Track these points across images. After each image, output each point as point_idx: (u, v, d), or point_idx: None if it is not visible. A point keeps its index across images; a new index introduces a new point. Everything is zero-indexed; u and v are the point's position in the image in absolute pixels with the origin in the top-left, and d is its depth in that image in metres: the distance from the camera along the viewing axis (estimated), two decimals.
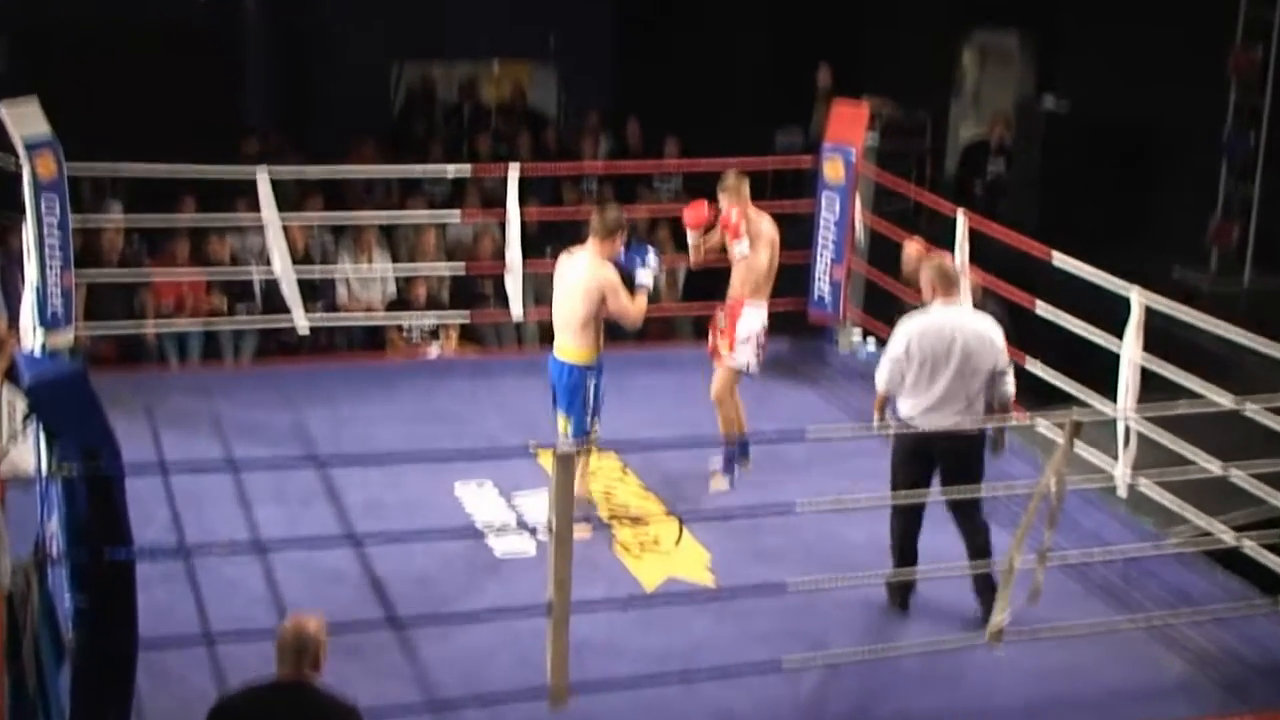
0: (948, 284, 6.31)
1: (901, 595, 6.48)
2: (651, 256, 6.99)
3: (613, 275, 6.78)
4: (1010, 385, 6.35)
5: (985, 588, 6.26)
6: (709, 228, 7.69)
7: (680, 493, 7.60)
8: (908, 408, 6.31)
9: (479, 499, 7.48)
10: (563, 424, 6.92)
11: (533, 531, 7.00)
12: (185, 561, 6.54)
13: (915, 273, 9.03)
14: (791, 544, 7.03)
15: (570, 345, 6.85)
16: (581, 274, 6.80)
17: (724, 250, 7.68)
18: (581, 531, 6.91)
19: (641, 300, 6.91)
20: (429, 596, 6.49)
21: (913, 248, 9.05)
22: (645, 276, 6.95)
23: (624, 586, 6.65)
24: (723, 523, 7.07)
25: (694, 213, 7.57)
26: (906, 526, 6.43)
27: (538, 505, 7.28)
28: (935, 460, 6.31)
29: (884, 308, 9.47)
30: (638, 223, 11.11)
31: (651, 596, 6.61)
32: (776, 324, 8.48)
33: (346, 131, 11.95)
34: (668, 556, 6.97)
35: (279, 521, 7.08)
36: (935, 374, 6.21)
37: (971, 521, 6.33)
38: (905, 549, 6.42)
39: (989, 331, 6.30)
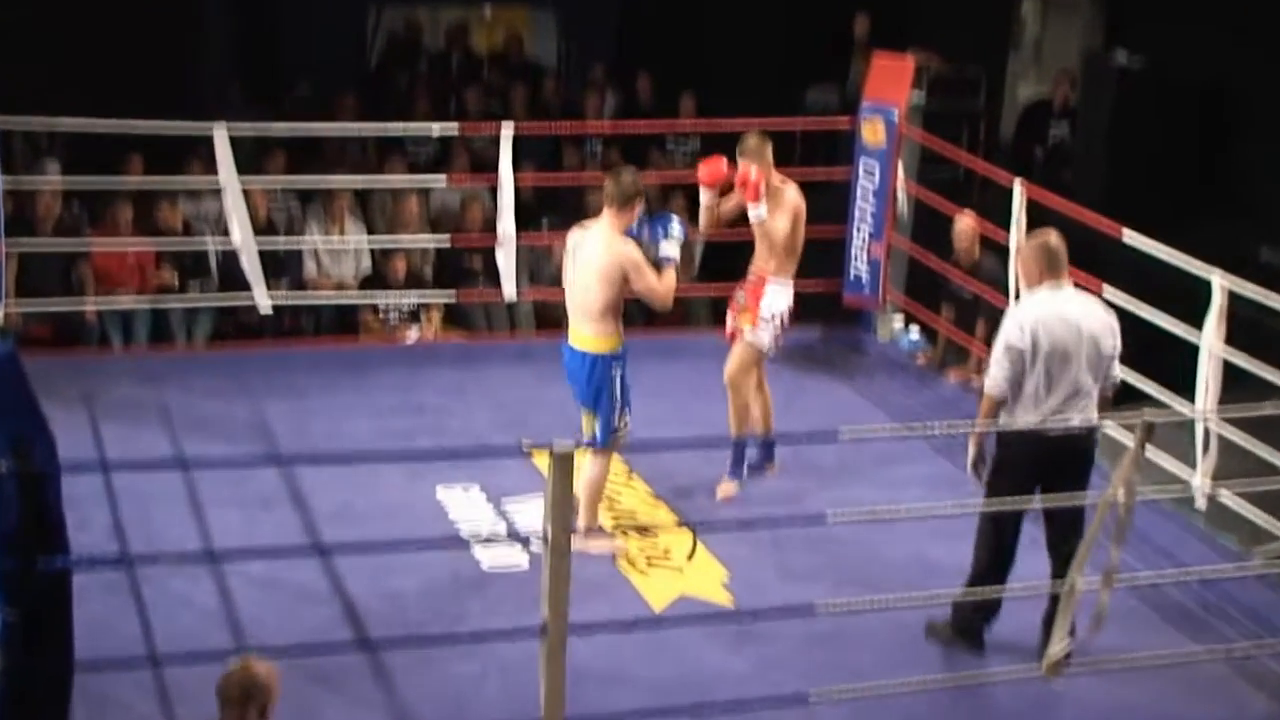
0: (1057, 264, 6.26)
1: (978, 626, 6.41)
2: (675, 226, 6.93)
3: (634, 250, 6.73)
4: (1119, 370, 6.36)
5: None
6: (726, 189, 7.66)
7: (694, 500, 7.60)
8: (1029, 411, 6.20)
9: (464, 505, 7.48)
10: (588, 423, 6.92)
11: (525, 542, 7.00)
12: (128, 572, 6.55)
13: (968, 251, 9.05)
14: (821, 560, 7.03)
15: (589, 333, 6.81)
16: (598, 250, 6.75)
17: (744, 218, 7.67)
18: (599, 547, 6.94)
19: (670, 276, 6.86)
20: (406, 616, 6.49)
21: (965, 222, 9.06)
22: (671, 249, 6.88)
23: (629, 606, 6.65)
24: (743, 535, 7.07)
25: (710, 169, 7.55)
26: (1006, 553, 6.33)
27: (531, 512, 7.29)
28: (1055, 470, 6.24)
29: (929, 291, 9.48)
30: (649, 190, 11.10)
31: (660, 618, 6.60)
32: (806, 309, 8.49)
33: (319, 83, 11.93)
34: (679, 573, 6.97)
35: (236, 528, 7.09)
36: (1064, 368, 6.16)
37: (1075, 537, 6.26)
38: (996, 574, 6.33)
39: (1105, 312, 6.32)
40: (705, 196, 7.60)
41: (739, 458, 7.63)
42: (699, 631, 6.45)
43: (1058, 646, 5.88)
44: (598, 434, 6.87)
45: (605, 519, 7.37)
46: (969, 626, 6.42)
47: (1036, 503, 6.23)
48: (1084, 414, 6.19)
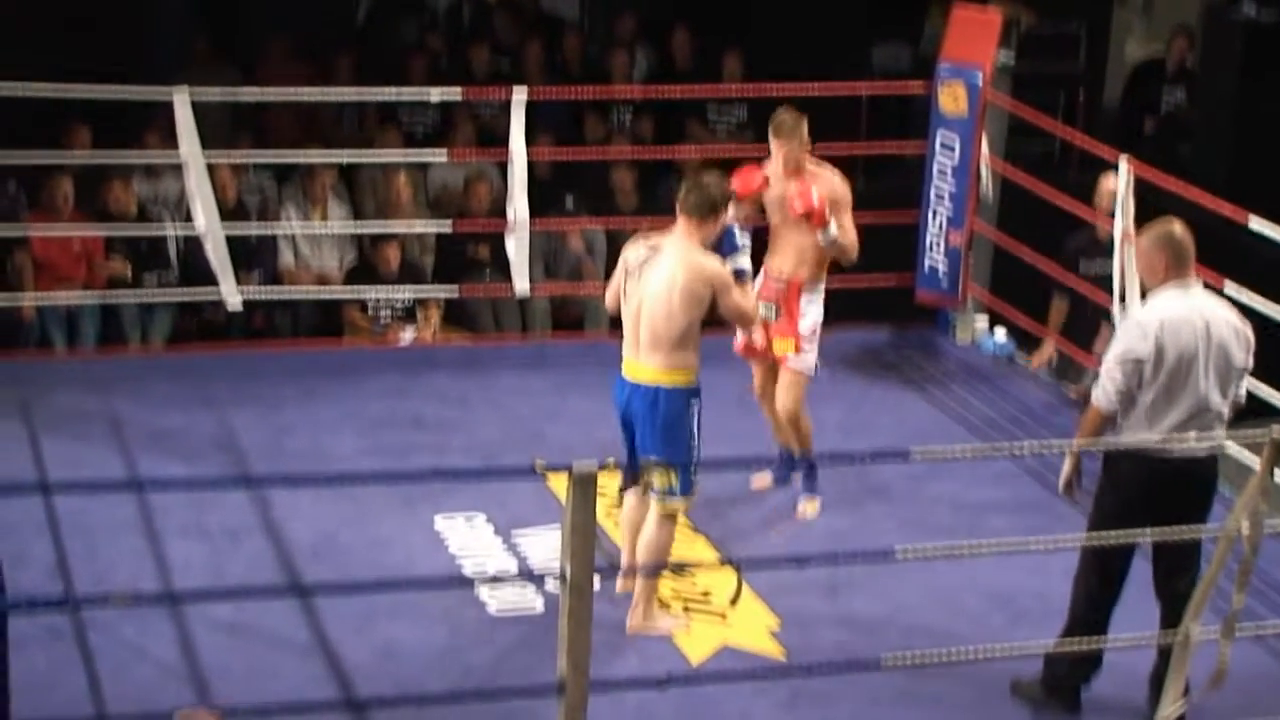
0: (1184, 259, 6.25)
1: (1075, 683, 6.41)
2: (739, 235, 6.93)
3: (720, 267, 6.65)
4: (1245, 387, 6.37)
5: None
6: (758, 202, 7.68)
7: (739, 532, 7.61)
8: (1142, 429, 6.20)
9: (468, 537, 7.51)
10: (660, 476, 6.71)
11: (539, 582, 7.02)
12: (72, 616, 6.57)
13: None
14: (888, 605, 7.04)
15: (660, 364, 6.63)
16: (677, 268, 6.58)
17: (761, 211, 7.68)
18: (660, 628, 6.92)
19: (750, 292, 6.97)
20: (400, 670, 6.51)
21: (1111, 184, 8.94)
22: (743, 260, 6.90)
23: (662, 659, 6.66)
24: (796, 575, 7.08)
25: (745, 180, 7.49)
26: (1110, 595, 6.35)
27: (546, 546, 7.31)
28: (1170, 498, 6.25)
29: (1019, 287, 9.48)
30: (686, 167, 11.13)
31: (698, 673, 6.62)
32: (874, 307, 8.52)
33: (300, 39, 11.97)
34: (721, 619, 6.98)
35: (199, 563, 7.12)
36: (1188, 381, 6.14)
37: (1191, 576, 6.26)
38: (1097, 621, 6.36)
39: (1238, 318, 6.31)
40: (735, 210, 7.42)
41: (812, 471, 7.77)
42: (744, 689, 6.45)
43: (1170, 709, 5.87)
44: (674, 484, 6.70)
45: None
46: (1063, 684, 6.42)
47: (1146, 536, 6.22)
48: (1210, 433, 6.19)
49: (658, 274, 6.61)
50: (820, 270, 7.71)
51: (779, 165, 7.65)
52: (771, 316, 7.66)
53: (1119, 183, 8.43)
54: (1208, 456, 6.23)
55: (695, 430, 6.66)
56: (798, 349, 7.64)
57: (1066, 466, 6.38)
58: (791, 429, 7.73)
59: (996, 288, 9.64)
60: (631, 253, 6.75)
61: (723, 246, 6.80)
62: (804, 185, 7.53)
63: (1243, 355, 6.26)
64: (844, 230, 7.61)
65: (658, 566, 6.81)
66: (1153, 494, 6.21)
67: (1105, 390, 6.20)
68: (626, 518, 6.96)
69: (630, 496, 6.93)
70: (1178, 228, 6.32)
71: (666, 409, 6.62)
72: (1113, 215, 8.85)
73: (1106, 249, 8.95)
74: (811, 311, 7.68)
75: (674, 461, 6.62)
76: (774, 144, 7.64)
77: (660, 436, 6.64)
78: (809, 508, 7.75)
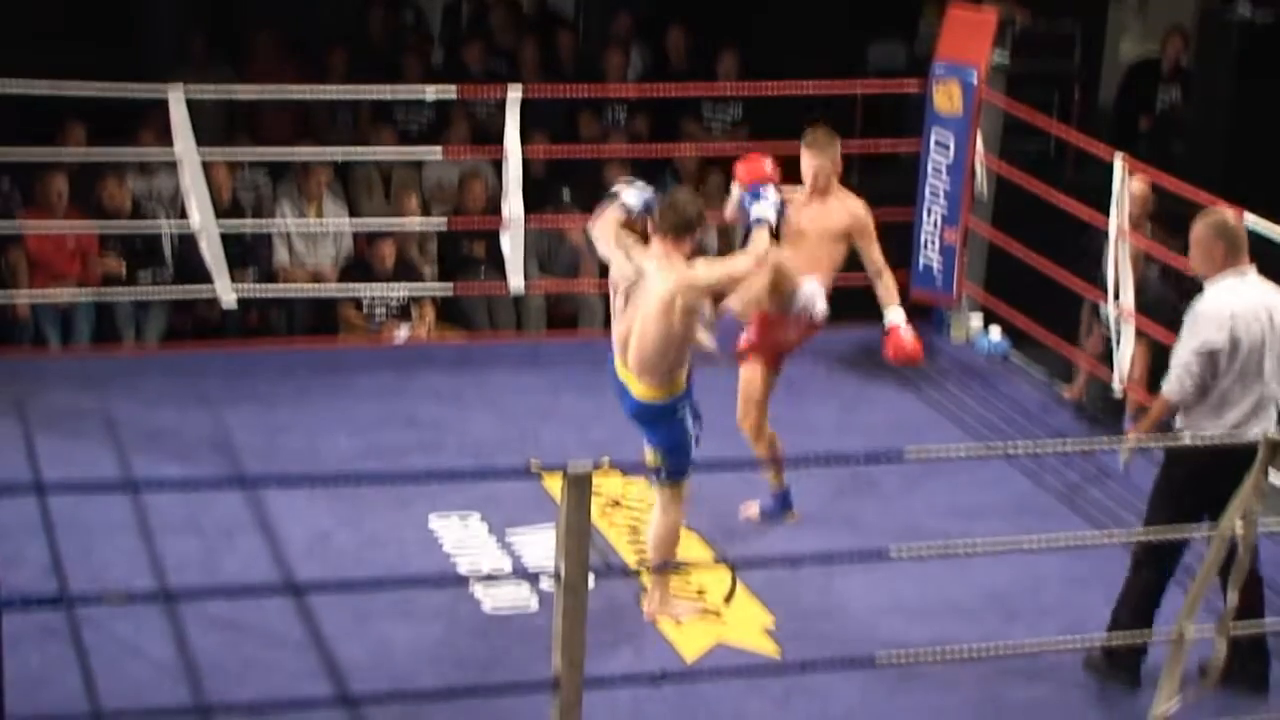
0: (1240, 245, 6.34)
1: (1133, 662, 6.52)
2: (769, 191, 7.11)
3: (700, 271, 6.68)
4: None
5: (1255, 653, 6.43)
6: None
7: (733, 531, 7.62)
8: (1207, 421, 6.27)
9: (463, 536, 7.51)
10: (651, 457, 6.93)
11: (534, 580, 7.02)
12: (67, 614, 6.58)
13: (1138, 222, 8.92)
14: (883, 603, 7.05)
15: (652, 384, 6.69)
16: (655, 287, 6.63)
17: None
18: (674, 611, 6.95)
19: (760, 239, 6.98)
20: (395, 667, 6.52)
21: (1140, 187, 8.89)
22: (765, 209, 7.06)
23: (656, 656, 6.68)
24: (791, 573, 7.09)
25: (750, 168, 7.47)
26: (1161, 579, 6.45)
27: (541, 545, 7.31)
28: (1229, 493, 6.25)
29: (1014, 285, 9.48)
30: (681, 165, 11.13)
31: (693, 670, 6.63)
32: (867, 304, 8.49)
33: (295, 37, 11.97)
34: (716, 617, 6.99)
35: (193, 562, 7.13)
36: (1258, 371, 6.24)
37: (1253, 567, 6.29)
38: (1147, 610, 6.43)
39: None
40: (738, 192, 7.43)
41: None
42: (738, 686, 6.46)
43: (1164, 706, 5.88)
44: (667, 476, 6.83)
45: (628, 553, 7.40)
46: (1124, 659, 6.52)
47: (1139, 535, 6.25)
48: (1266, 428, 6.23)
49: (648, 298, 6.63)
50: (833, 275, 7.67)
51: (807, 182, 7.59)
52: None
53: (1114, 181, 8.43)
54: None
55: (689, 423, 6.76)
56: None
57: (1125, 454, 6.56)
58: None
59: (991, 286, 9.65)
60: (617, 270, 6.79)
61: (745, 204, 7.10)
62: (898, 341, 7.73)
63: None
64: (877, 256, 7.65)
65: (670, 553, 6.88)
66: (1202, 484, 6.26)
67: (1181, 382, 6.27)
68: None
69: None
70: (1230, 215, 6.43)
71: (659, 418, 6.75)
72: (1137, 221, 8.86)
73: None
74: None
75: (673, 452, 6.77)
76: (805, 159, 7.58)
77: (659, 437, 6.82)
78: (751, 509, 7.72)
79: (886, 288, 7.67)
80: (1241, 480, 6.08)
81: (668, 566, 6.93)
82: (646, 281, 6.67)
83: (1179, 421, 6.37)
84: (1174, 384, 6.30)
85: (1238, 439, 6.17)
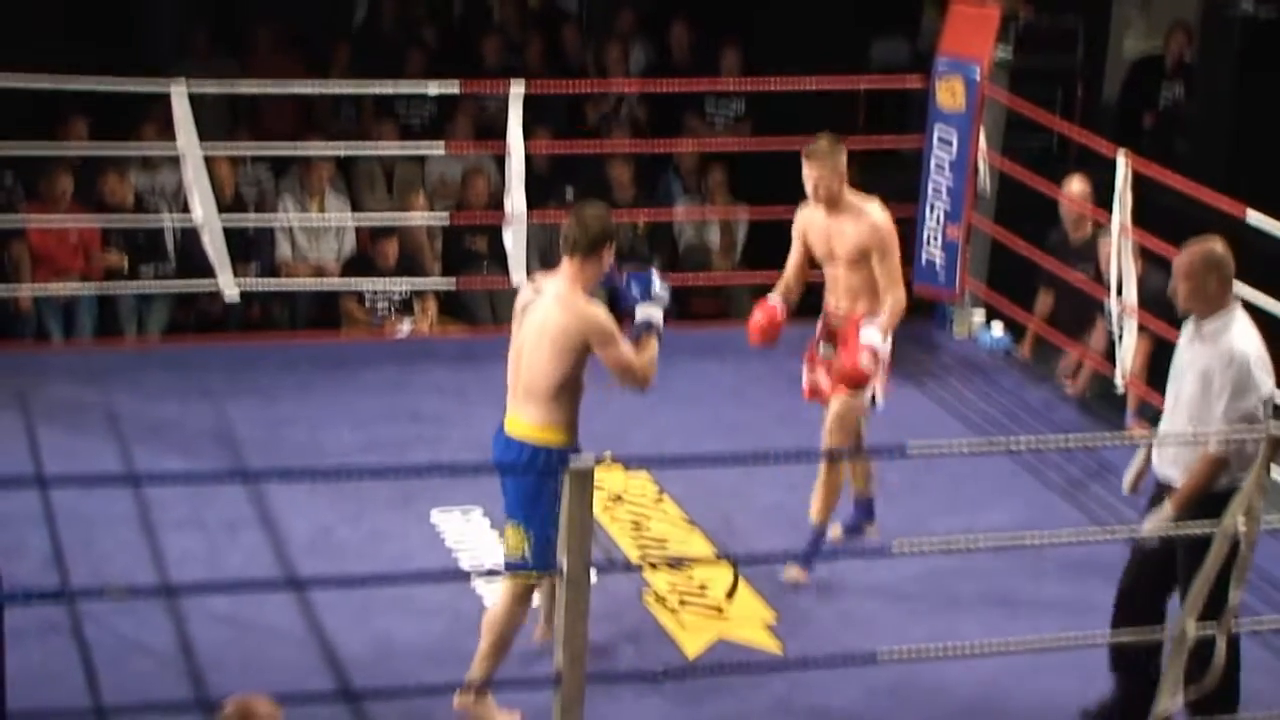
0: (1230, 277, 6.12)
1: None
2: (658, 283, 6.21)
3: (599, 312, 5.98)
4: None
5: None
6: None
7: (735, 527, 7.62)
8: (1245, 470, 5.94)
9: (465, 531, 7.51)
10: (514, 538, 6.07)
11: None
12: (70, 609, 6.58)
13: (1077, 223, 8.98)
14: (884, 599, 7.05)
15: (535, 419, 6.02)
16: (552, 312, 6.00)
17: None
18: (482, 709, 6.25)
19: (651, 348, 6.12)
20: (396, 662, 6.52)
21: (1076, 187, 8.99)
22: (653, 312, 6.16)
23: (658, 652, 6.67)
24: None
25: (762, 329, 7.16)
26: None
27: None
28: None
29: (1016, 281, 9.48)
30: (683, 161, 11.12)
31: (695, 666, 6.62)
32: None
33: (293, 31, 11.98)
34: (717, 613, 6.99)
35: (196, 557, 7.13)
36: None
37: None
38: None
39: None
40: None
41: (817, 544, 7.26)
42: (740, 682, 6.46)
43: (1168, 701, 5.88)
44: (527, 554, 6.02)
45: (631, 548, 7.39)
46: None
47: (1128, 534, 6.20)
48: None
49: (534, 319, 6.07)
50: (875, 304, 7.12)
51: (810, 194, 7.12)
52: (831, 356, 7.21)
53: (1117, 178, 8.43)
54: None
55: (556, 505, 5.47)
56: (853, 381, 7.04)
57: (1169, 516, 6.07)
58: (826, 473, 7.17)
59: (994, 282, 9.65)
60: (520, 297, 6.24)
61: (628, 293, 6.20)
62: (850, 354, 7.01)
63: None
64: (887, 273, 7.07)
65: (496, 644, 6.09)
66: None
67: (1240, 441, 5.94)
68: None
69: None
70: (1219, 245, 6.13)
71: (528, 466, 6.01)
72: (1077, 221, 8.90)
73: (1077, 253, 8.97)
74: (870, 344, 7.04)
75: (531, 528, 6.00)
76: (805, 169, 7.08)
77: (518, 499, 6.05)
78: (796, 574, 7.21)
79: (886, 307, 7.08)
80: None
81: (502, 644, 6.10)
82: (540, 302, 6.09)
83: (1223, 481, 6.02)
84: (1230, 443, 5.95)
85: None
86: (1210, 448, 6.00)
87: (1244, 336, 6.06)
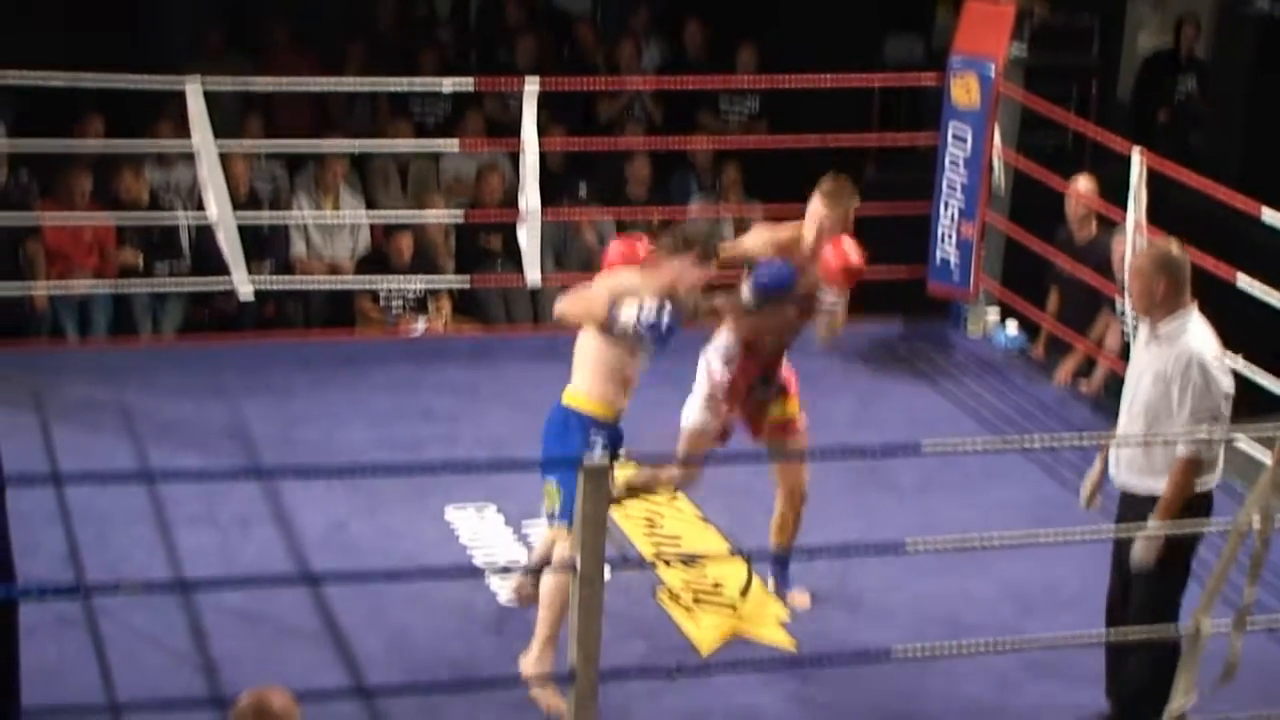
0: (1182, 283, 5.99)
1: None
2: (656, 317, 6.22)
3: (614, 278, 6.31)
4: None
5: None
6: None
7: (749, 524, 7.61)
8: (1212, 473, 6.02)
9: (479, 528, 7.52)
10: (550, 495, 6.30)
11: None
12: (85, 605, 6.60)
13: (1083, 223, 8.99)
14: (899, 597, 7.05)
15: (572, 386, 6.38)
16: None
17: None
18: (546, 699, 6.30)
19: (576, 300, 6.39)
20: (411, 658, 6.53)
21: (1082, 186, 8.99)
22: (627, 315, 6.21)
23: (671, 649, 6.67)
24: (807, 566, 7.08)
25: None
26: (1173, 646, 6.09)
27: None
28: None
29: (1030, 279, 9.47)
30: (697, 158, 11.13)
31: (708, 663, 6.62)
32: (885, 299, 8.51)
33: (314, 29, 11.99)
34: (731, 610, 6.99)
35: (210, 553, 7.14)
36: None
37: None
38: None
39: None
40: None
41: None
42: (754, 679, 6.47)
43: (1181, 700, 5.87)
44: (556, 510, 6.24)
45: (645, 545, 7.40)
46: None
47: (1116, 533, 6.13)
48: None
49: None
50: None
51: (811, 233, 6.82)
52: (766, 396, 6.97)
53: (1132, 175, 8.42)
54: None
55: None
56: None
57: (1158, 535, 5.98)
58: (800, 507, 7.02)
59: (1008, 280, 9.64)
60: None
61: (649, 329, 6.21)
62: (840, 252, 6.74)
63: None
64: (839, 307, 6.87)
65: (556, 612, 6.19)
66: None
67: (1209, 441, 5.92)
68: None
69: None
70: (1175, 248, 6.07)
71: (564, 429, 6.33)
72: (1082, 220, 8.89)
73: (1081, 252, 8.96)
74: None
75: (562, 486, 6.17)
76: (819, 206, 6.82)
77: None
78: (801, 598, 7.10)
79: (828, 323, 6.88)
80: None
81: (560, 610, 6.15)
82: None
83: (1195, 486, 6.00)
84: (1198, 447, 5.91)
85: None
86: (1180, 451, 5.93)
87: (1200, 337, 5.98)
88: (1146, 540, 5.98)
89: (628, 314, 6.19)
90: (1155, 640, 6.04)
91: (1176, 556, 6.04)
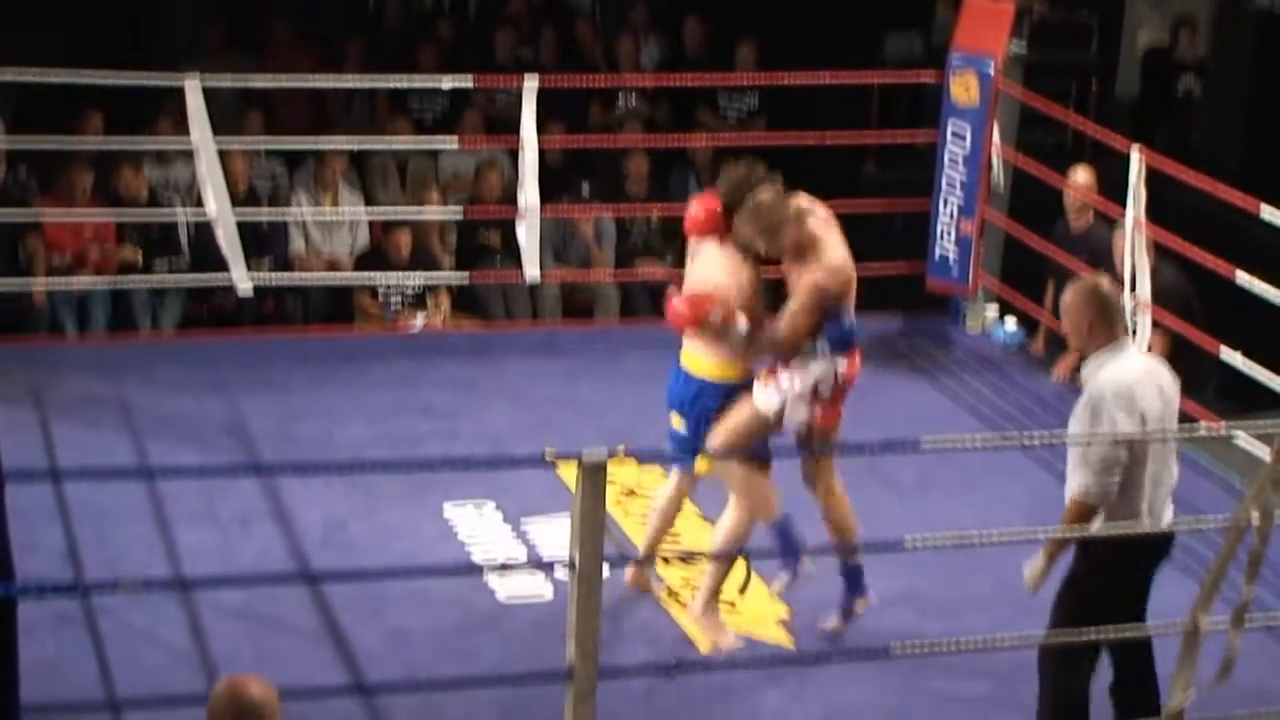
0: (1111, 318, 5.87)
1: None
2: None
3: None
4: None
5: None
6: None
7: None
8: (1126, 511, 5.82)
9: (477, 525, 7.51)
10: (676, 421, 6.69)
11: (549, 569, 7.02)
12: (83, 602, 6.59)
13: (1080, 214, 8.99)
14: (897, 593, 7.04)
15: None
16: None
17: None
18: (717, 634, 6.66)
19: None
20: (409, 655, 6.53)
21: (1080, 177, 9.00)
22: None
23: (670, 646, 6.67)
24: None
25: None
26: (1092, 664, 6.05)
27: (556, 534, 7.31)
28: (1149, 573, 5.99)
29: (1029, 276, 9.47)
30: (696, 156, 11.12)
31: (707, 660, 6.62)
32: (885, 295, 8.50)
33: (311, 25, 11.98)
34: (730, 607, 6.99)
35: (209, 550, 7.14)
36: (1161, 447, 5.98)
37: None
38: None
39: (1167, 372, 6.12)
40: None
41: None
42: (753, 677, 6.47)
43: (1179, 696, 5.87)
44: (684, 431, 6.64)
45: (640, 540, 7.40)
46: None
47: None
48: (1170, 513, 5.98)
49: None
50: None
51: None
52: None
53: (1131, 172, 8.42)
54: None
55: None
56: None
57: (1040, 565, 5.92)
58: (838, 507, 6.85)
59: (1007, 277, 9.64)
60: None
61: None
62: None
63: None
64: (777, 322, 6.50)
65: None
66: (1135, 585, 5.97)
67: (1102, 483, 5.77)
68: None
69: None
70: (1104, 283, 5.95)
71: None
72: (1079, 210, 8.88)
73: (1075, 241, 8.96)
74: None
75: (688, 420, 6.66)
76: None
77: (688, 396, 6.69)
78: (837, 625, 6.89)
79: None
80: (1149, 580, 5.90)
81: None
82: None
83: (1096, 526, 5.85)
84: (1094, 486, 5.76)
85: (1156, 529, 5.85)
86: (1068, 491, 5.84)
87: (1111, 376, 5.79)
88: (1030, 568, 5.93)
89: (768, 398, 6.45)
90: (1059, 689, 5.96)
91: (1087, 611, 5.87)
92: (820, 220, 6.53)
